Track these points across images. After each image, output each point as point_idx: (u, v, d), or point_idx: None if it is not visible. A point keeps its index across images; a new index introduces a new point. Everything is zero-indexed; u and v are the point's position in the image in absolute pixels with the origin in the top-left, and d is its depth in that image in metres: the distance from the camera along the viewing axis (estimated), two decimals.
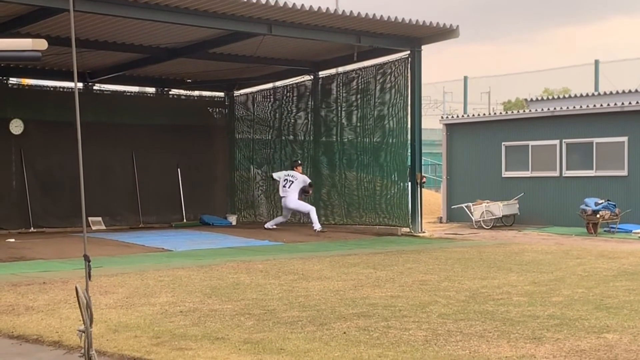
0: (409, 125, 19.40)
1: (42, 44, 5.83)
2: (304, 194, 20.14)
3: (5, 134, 20.01)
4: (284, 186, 19.73)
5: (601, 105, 21.71)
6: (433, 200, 28.03)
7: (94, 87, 22.04)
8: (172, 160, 22.86)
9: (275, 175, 20.47)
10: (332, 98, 21.42)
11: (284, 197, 19.78)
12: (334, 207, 21.45)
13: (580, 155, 21.82)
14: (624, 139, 20.86)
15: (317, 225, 19.14)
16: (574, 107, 22.36)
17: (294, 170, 20.14)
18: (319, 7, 16.39)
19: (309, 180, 20.04)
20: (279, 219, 20.36)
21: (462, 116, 26.47)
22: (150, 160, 22.42)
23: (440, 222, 24.38)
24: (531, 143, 22.76)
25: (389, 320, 7.72)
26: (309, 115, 22.10)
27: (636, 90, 23.70)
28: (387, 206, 19.95)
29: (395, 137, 19.65)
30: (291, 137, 22.81)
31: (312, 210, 19.61)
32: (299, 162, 20.78)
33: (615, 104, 21.25)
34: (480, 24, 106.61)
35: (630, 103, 20.88)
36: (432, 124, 34.40)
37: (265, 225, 20.11)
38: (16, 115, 20.25)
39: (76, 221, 19.45)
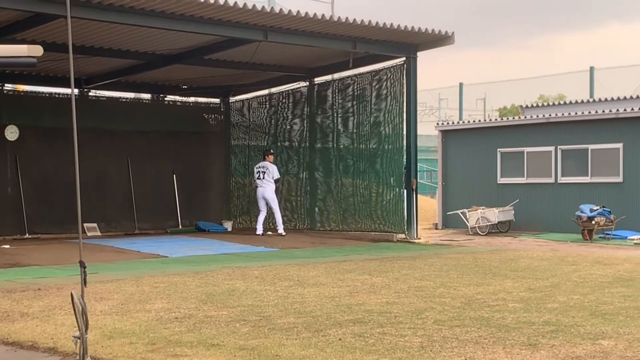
0: (404, 132, 19.41)
1: (37, 50, 5.83)
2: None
3: (1, 140, 19.98)
4: (258, 177, 20.04)
5: (596, 111, 21.75)
6: (428, 206, 28.05)
7: (90, 94, 22.02)
8: (167, 166, 22.84)
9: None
10: (328, 104, 21.43)
11: (261, 187, 19.98)
12: (329, 214, 21.44)
13: (575, 162, 21.85)
14: (619, 145, 20.90)
15: (280, 228, 19.86)
16: (569, 113, 22.40)
17: (265, 159, 20.34)
18: (315, 14, 16.41)
19: (278, 175, 20.23)
20: (261, 218, 20.33)
21: (458, 122, 26.52)
22: (145, 166, 22.41)
23: (436, 229, 24.38)
24: (526, 149, 22.79)
25: (384, 327, 7.72)
26: (305, 121, 22.11)
27: (631, 97, 23.74)
28: (382, 212, 19.95)
29: (391, 143, 19.65)
30: (287, 143, 22.80)
31: (278, 213, 20.05)
32: (271, 151, 20.97)
33: (611, 111, 21.29)
34: (475, 30, 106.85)
35: (625, 110, 20.92)
36: (427, 130, 34.46)
37: (257, 232, 20.10)
38: (11, 122, 20.22)
39: (71, 227, 19.42)
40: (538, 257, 14.85)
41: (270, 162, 20.28)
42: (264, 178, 19.99)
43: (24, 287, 10.70)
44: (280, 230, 19.99)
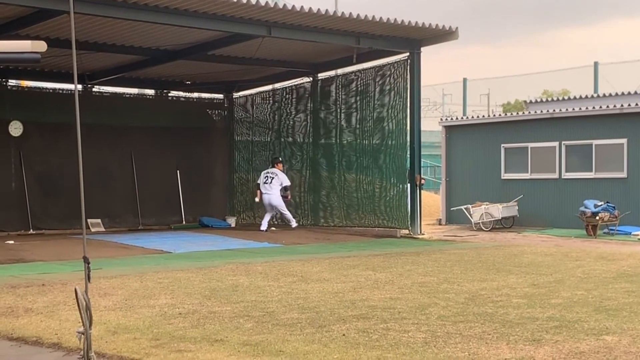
0: (408, 127, 19.40)
1: (41, 46, 5.84)
2: (284, 198, 20.43)
3: (5, 136, 20.00)
4: (265, 183, 20.04)
5: (600, 107, 21.70)
6: (432, 202, 28.04)
7: (93, 89, 22.04)
8: (171, 162, 22.85)
9: (259, 180, 20.56)
10: (331, 100, 21.43)
11: (267, 193, 19.99)
12: (333, 209, 21.46)
13: (579, 157, 21.82)
14: (623, 140, 20.87)
15: (293, 223, 20.20)
16: (573, 109, 22.36)
17: (274, 167, 20.36)
18: (318, 9, 16.40)
19: (288, 183, 20.22)
20: (267, 217, 20.41)
21: (462, 118, 26.49)
22: (149, 162, 22.42)
23: (440, 224, 24.38)
24: (530, 145, 22.76)
25: (388, 322, 7.72)
26: (308, 117, 22.11)
27: (635, 92, 23.69)
28: (386, 208, 19.96)
29: (395, 139, 19.65)
30: (290, 139, 22.82)
31: (287, 213, 20.29)
32: (280, 159, 20.99)
33: (615, 106, 21.25)
34: (479, 25, 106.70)
35: (629, 105, 20.89)
36: (431, 125, 34.39)
37: (261, 228, 20.12)
38: (15, 117, 20.25)
39: (75, 223, 19.41)
40: (542, 253, 14.84)
41: (279, 169, 20.27)
42: (271, 183, 19.93)
43: (28, 283, 10.72)
44: (294, 224, 20.22)
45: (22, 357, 6.69)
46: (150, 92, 23.80)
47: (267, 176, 20.10)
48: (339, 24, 17.48)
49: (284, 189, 20.22)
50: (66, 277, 11.22)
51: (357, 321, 7.80)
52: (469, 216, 22.34)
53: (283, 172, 20.43)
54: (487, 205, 22.21)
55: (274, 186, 19.94)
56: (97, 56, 19.16)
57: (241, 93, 24.34)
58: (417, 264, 12.99)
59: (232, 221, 23.01)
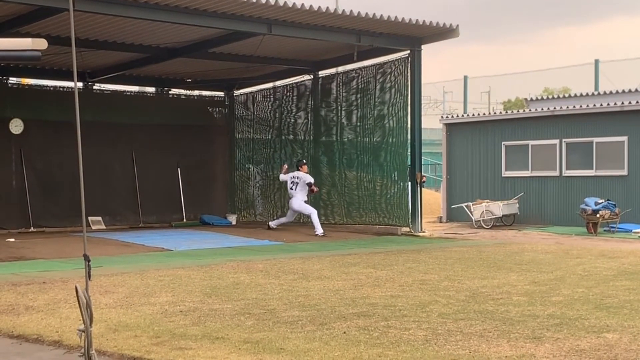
0: (409, 125, 19.40)
1: (41, 44, 5.83)
2: (310, 193, 20.10)
3: (5, 134, 20.01)
4: (291, 188, 19.75)
5: (601, 104, 21.70)
6: (433, 199, 28.03)
7: (94, 87, 22.03)
8: (172, 159, 22.86)
9: (282, 177, 20.21)
10: (332, 97, 21.42)
11: (290, 198, 19.81)
12: (334, 207, 21.45)
13: (580, 155, 21.82)
14: (624, 138, 20.86)
15: (319, 230, 18.96)
16: (574, 106, 22.36)
17: (299, 170, 20.01)
18: (319, 7, 16.39)
19: (309, 180, 19.96)
20: (282, 220, 20.30)
21: (462, 116, 26.48)
22: (150, 159, 22.42)
23: (440, 222, 24.38)
24: (531, 143, 22.76)
25: (389, 320, 7.72)
26: (309, 114, 22.10)
27: (636, 90, 23.68)
28: (387, 206, 19.95)
29: (395, 136, 19.65)
30: (291, 136, 22.81)
31: (313, 214, 19.46)
32: (304, 161, 20.50)
33: (615, 104, 21.24)
34: (480, 23, 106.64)
35: (630, 102, 20.88)
36: (432, 123, 34.41)
37: (270, 224, 20.10)
38: (16, 115, 20.26)
39: (76, 221, 19.45)
40: (542, 251, 14.84)
41: (304, 172, 19.84)
42: (296, 189, 19.66)
43: (29, 281, 10.73)
44: (318, 232, 18.92)
45: (22, 354, 6.70)
46: (151, 89, 23.80)
47: (293, 181, 19.73)
48: (340, 21, 17.48)
49: (307, 185, 19.75)
50: (67, 275, 11.23)
51: (358, 319, 7.80)
52: (469, 214, 22.34)
53: (307, 172, 19.96)
54: (487, 202, 22.20)
55: (297, 192, 19.63)
56: (97, 54, 19.16)
57: (242, 91, 24.34)
58: (418, 262, 12.99)
59: (232, 219, 23.02)
